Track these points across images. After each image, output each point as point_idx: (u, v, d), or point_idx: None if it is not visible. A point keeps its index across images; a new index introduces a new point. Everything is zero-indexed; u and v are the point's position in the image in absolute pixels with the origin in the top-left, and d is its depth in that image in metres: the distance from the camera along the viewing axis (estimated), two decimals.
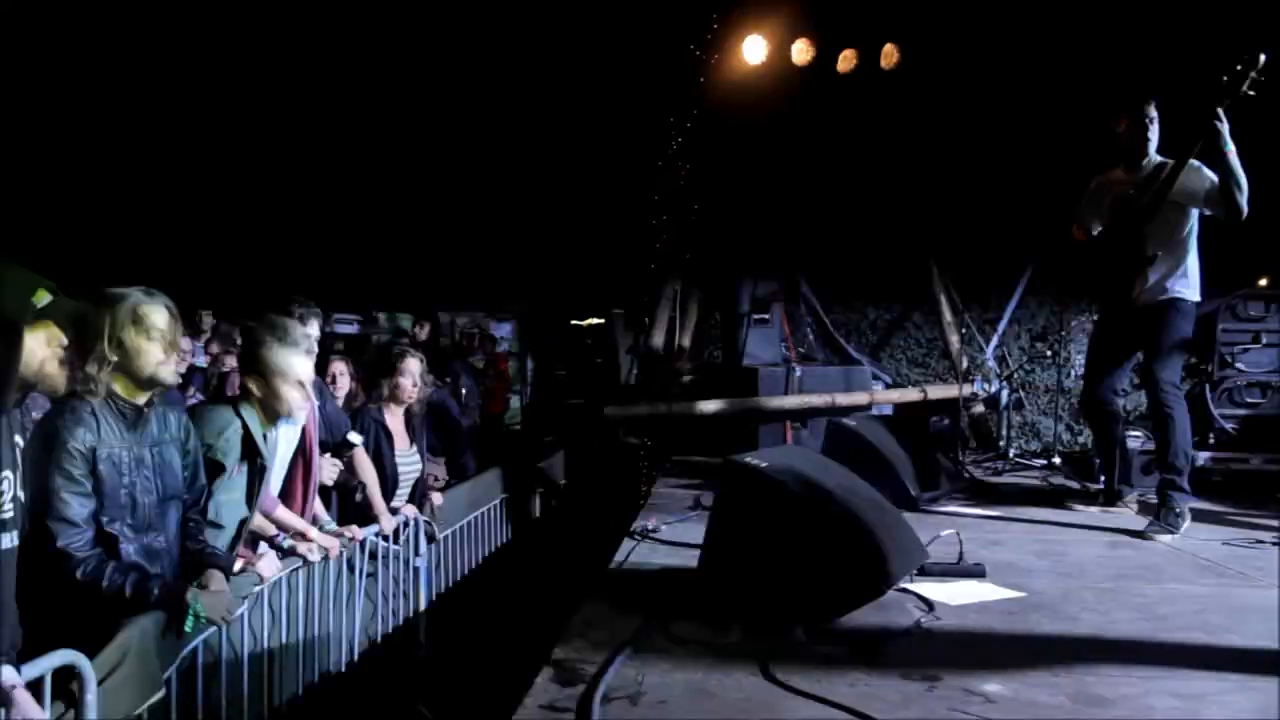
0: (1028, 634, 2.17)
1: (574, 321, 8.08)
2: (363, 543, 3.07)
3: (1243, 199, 3.16)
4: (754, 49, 5.93)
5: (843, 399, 5.27)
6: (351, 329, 7.61)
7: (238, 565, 2.36)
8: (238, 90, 6.69)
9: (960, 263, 6.36)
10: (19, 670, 1.55)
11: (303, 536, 2.74)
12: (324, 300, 3.46)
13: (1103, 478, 3.91)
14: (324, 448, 3.11)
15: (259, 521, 2.60)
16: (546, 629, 2.20)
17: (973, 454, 5.54)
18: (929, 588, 2.47)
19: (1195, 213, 3.34)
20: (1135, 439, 4.20)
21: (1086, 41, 5.38)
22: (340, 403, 3.55)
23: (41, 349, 1.59)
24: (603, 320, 7.61)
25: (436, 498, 3.90)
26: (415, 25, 6.35)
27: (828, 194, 6.15)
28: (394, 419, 3.56)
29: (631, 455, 5.47)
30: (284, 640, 2.58)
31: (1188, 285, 3.36)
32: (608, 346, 7.28)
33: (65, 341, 1.62)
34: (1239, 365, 4.57)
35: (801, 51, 5.85)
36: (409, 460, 3.60)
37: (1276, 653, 2.03)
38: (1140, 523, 3.33)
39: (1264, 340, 4.56)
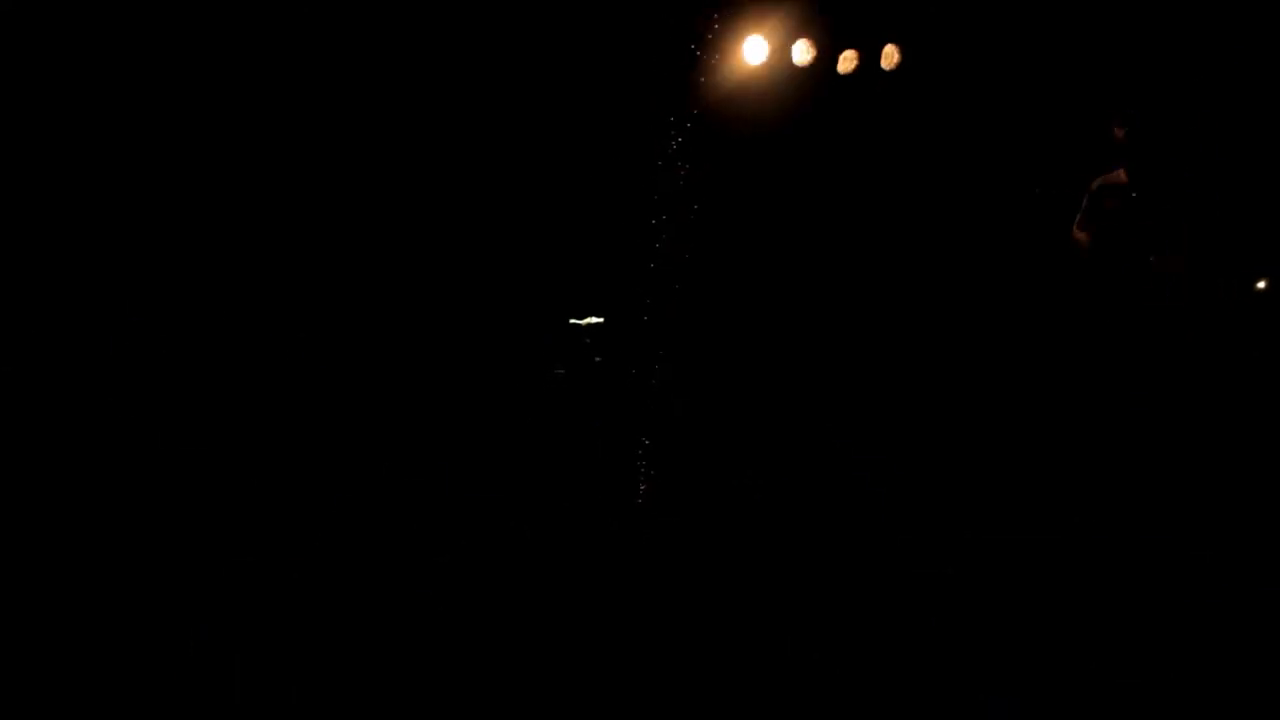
0: None
1: (572, 320, 8.06)
2: None
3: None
4: (754, 49, 5.93)
5: None
6: None
7: None
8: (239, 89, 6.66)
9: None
10: None
11: None
12: None
13: None
14: None
15: None
16: None
17: None
18: None
19: (1198, 217, 3.36)
20: None
21: (1086, 42, 5.38)
22: None
23: None
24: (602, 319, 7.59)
25: None
26: (416, 25, 6.33)
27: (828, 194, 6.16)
28: None
29: None
30: None
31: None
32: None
33: None
34: None
35: (803, 52, 5.85)
36: None
37: None
38: None
39: None
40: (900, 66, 5.86)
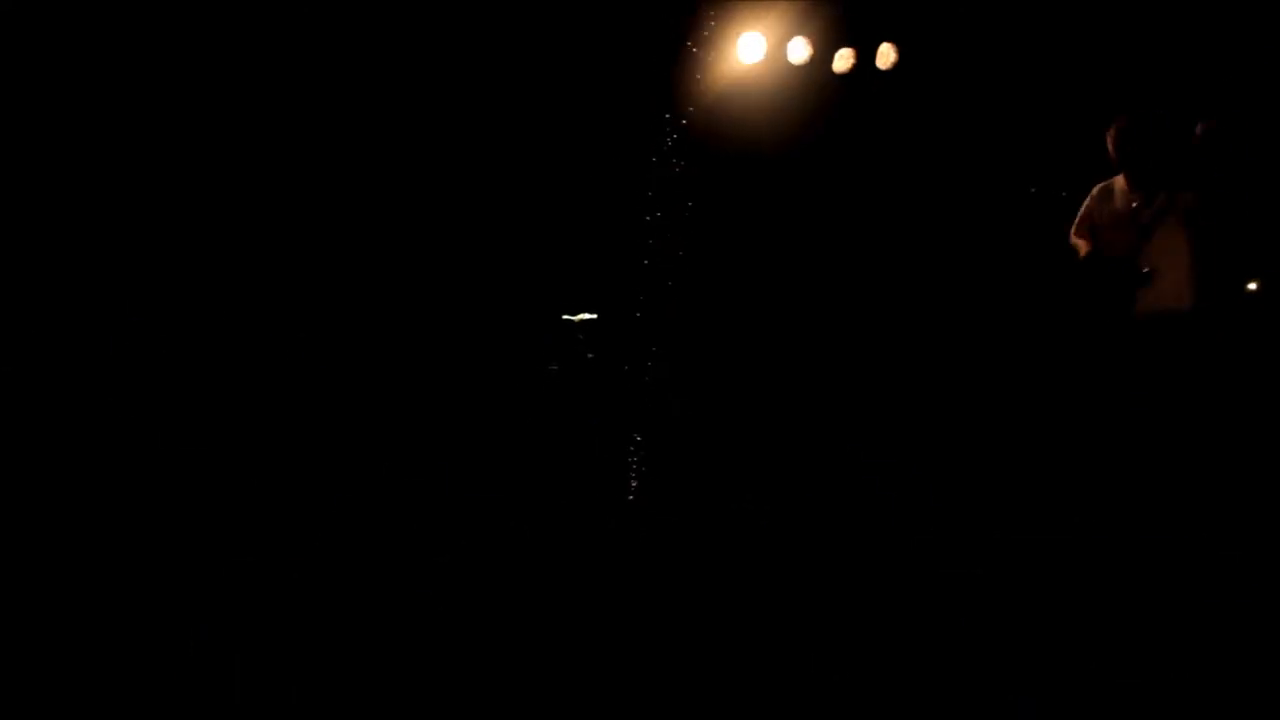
0: None
1: (565, 316, 8.05)
2: None
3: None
4: (750, 47, 5.92)
5: None
6: None
7: None
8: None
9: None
10: None
11: None
12: None
13: None
14: None
15: None
16: None
17: None
18: None
19: (1198, 227, 3.37)
20: None
21: (1086, 42, 5.40)
22: None
23: None
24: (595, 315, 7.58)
25: None
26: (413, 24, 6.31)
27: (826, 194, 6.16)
28: None
29: None
30: None
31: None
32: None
33: None
34: None
35: (800, 51, 5.85)
36: None
37: None
38: None
39: None
40: (896, 66, 5.87)
